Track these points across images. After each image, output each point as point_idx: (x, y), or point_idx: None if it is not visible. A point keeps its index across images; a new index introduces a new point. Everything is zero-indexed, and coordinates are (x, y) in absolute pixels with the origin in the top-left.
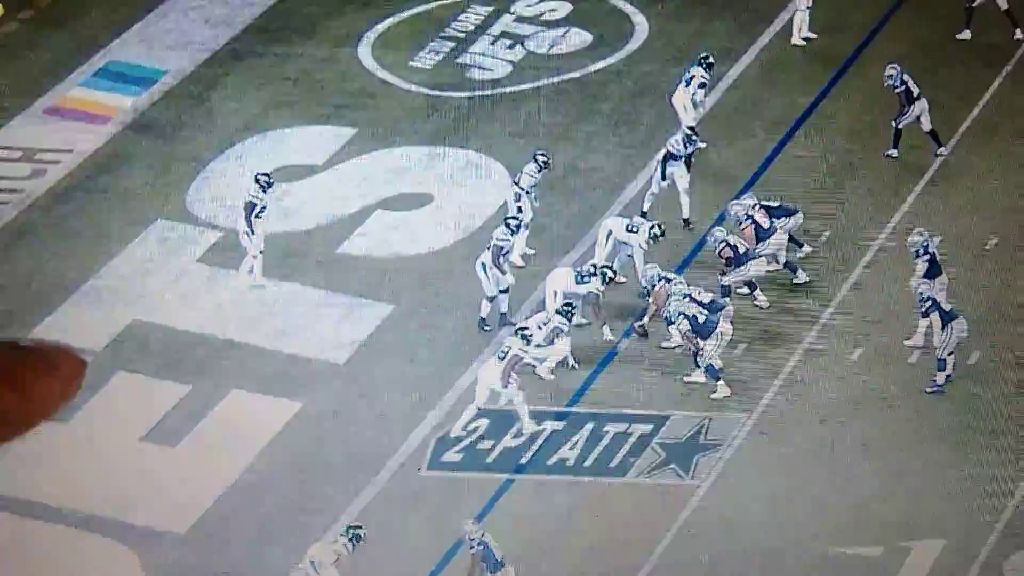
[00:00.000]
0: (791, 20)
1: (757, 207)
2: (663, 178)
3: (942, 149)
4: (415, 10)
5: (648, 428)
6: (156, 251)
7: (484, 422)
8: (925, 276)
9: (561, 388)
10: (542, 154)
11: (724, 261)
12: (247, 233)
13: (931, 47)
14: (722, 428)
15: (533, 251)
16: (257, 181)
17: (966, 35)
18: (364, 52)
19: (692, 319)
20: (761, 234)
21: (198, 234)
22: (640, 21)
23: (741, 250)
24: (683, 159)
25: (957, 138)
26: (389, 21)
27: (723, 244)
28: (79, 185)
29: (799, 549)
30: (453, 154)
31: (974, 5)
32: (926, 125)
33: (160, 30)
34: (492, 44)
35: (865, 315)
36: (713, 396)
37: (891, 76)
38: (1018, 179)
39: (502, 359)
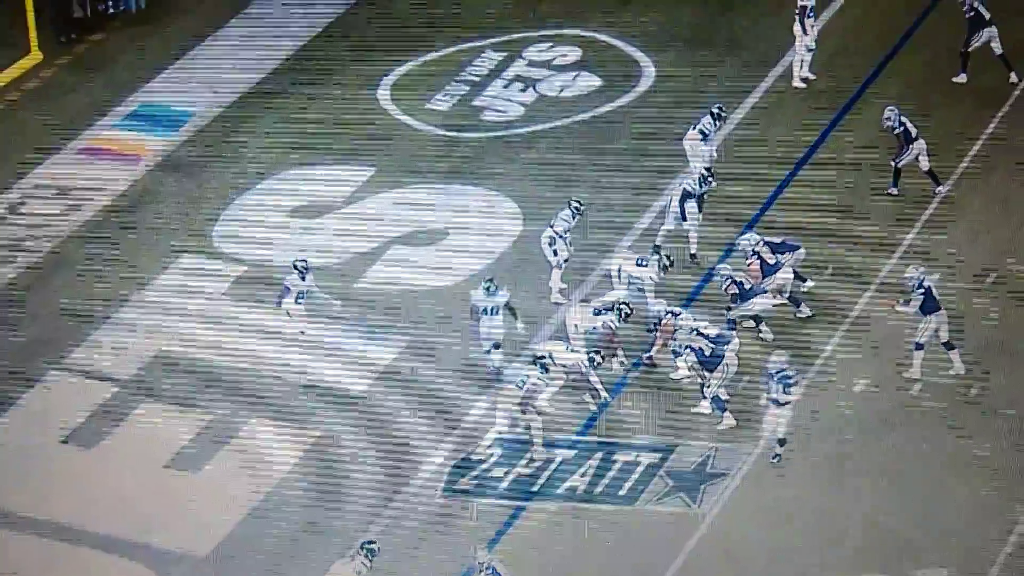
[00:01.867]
0: (791, 63)
1: (761, 243)
2: (683, 217)
3: (940, 188)
4: (433, 55)
5: (656, 457)
6: (183, 284)
7: (498, 450)
8: (921, 310)
9: (572, 418)
10: (577, 201)
11: (730, 297)
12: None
13: (930, 87)
14: (729, 457)
15: (564, 285)
16: (295, 268)
17: (962, 79)
18: (383, 95)
19: (699, 352)
20: (767, 270)
21: (223, 268)
22: (647, 65)
23: (747, 286)
24: (696, 198)
25: (956, 175)
26: (408, 65)
27: (728, 280)
28: (110, 221)
29: None
30: (468, 192)
31: (969, 50)
32: (924, 165)
33: (189, 73)
34: (506, 87)
35: (867, 348)
36: (719, 427)
37: (889, 118)
38: (1016, 217)
39: (520, 388)
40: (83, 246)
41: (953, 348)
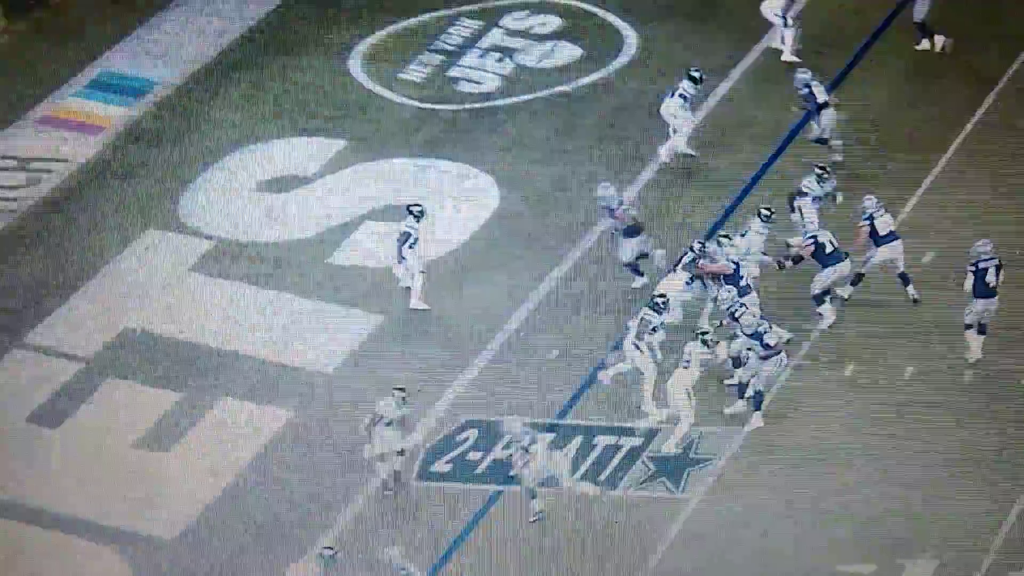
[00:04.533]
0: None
1: (882, 211)
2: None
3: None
4: (405, 23)
5: (638, 441)
6: (148, 260)
7: (474, 433)
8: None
9: (551, 400)
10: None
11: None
12: (399, 261)
13: (923, 64)
14: (714, 443)
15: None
16: (411, 212)
17: (926, 45)
18: (354, 65)
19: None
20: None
21: (189, 243)
22: (630, 35)
23: (827, 249)
24: (815, 199)
25: (951, 152)
26: (379, 34)
27: (811, 241)
28: (72, 194)
29: (790, 565)
30: (443, 166)
31: (919, 20)
32: (817, 133)
33: (153, 42)
34: (481, 57)
35: (858, 332)
36: (727, 411)
37: (801, 80)
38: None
39: (687, 367)
40: (43, 220)
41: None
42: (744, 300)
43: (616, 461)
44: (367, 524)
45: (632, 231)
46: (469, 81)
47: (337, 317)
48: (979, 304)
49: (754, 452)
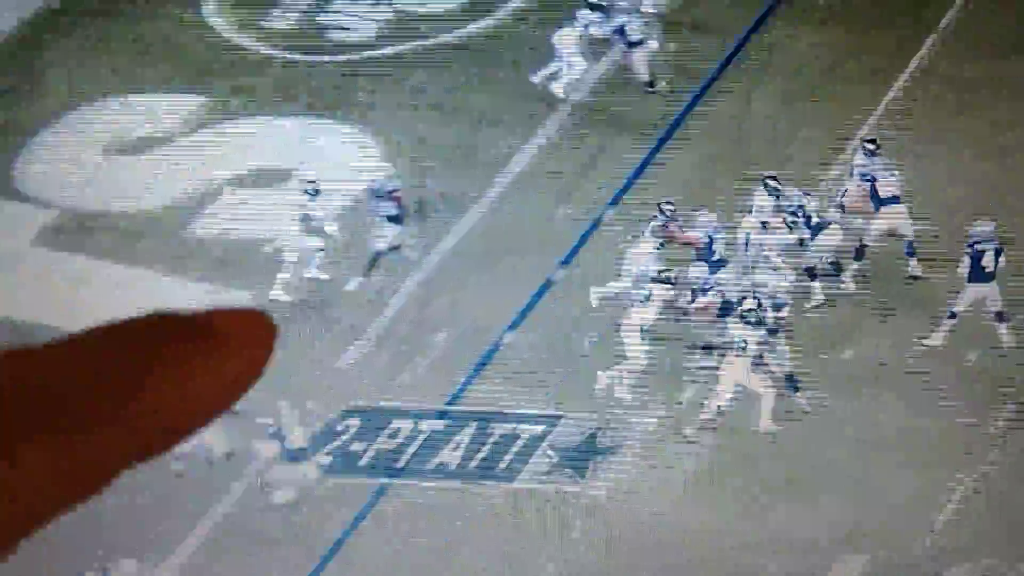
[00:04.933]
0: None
1: (888, 174)
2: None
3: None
4: None
5: (538, 429)
6: None
7: (356, 421)
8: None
9: (440, 384)
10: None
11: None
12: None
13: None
14: (623, 430)
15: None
16: (306, 191)
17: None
18: (210, 11)
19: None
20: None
21: (28, 213)
22: None
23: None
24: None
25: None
26: None
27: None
28: None
29: (707, 562)
30: (317, 125)
31: None
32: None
33: None
34: (354, 0)
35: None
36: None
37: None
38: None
39: (743, 351)
40: None
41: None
42: (718, 277)
43: (515, 451)
44: (239, 521)
45: (396, 219)
46: (341, 28)
47: (199, 294)
48: (971, 290)
49: (666, 441)
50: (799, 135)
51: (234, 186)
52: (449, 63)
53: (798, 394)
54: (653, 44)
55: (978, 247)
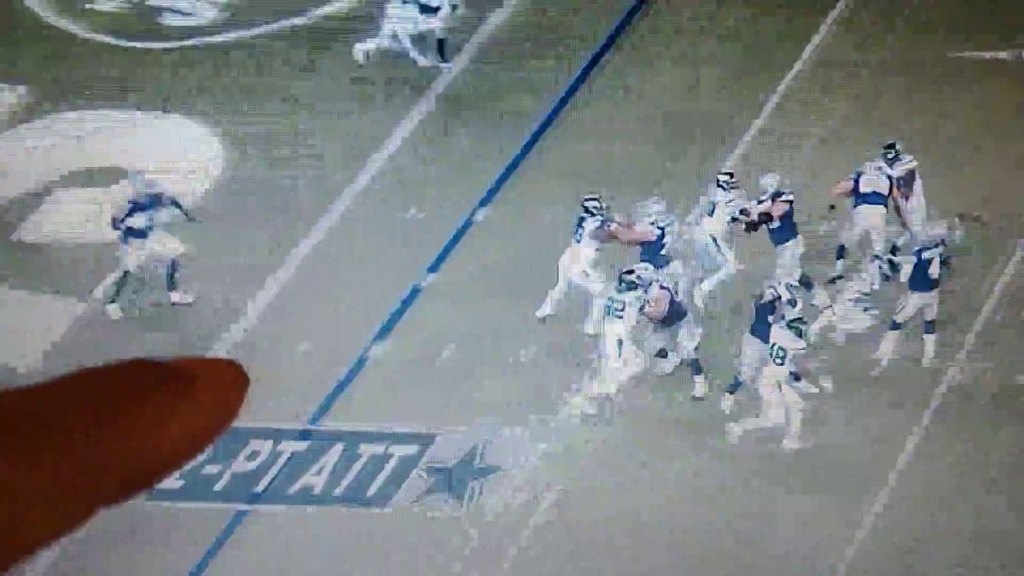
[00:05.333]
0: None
1: (878, 169)
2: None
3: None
4: None
5: (412, 450)
6: None
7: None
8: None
9: (302, 400)
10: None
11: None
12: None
13: None
14: (503, 449)
15: None
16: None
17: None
18: None
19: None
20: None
21: None
22: None
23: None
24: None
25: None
26: None
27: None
28: None
29: None
30: (150, 120)
31: None
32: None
33: None
34: None
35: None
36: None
37: None
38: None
39: (781, 364)
40: None
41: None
42: (666, 273)
43: (387, 473)
44: (82, 553)
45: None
46: (175, 12)
47: (28, 306)
48: (914, 298)
49: (550, 462)
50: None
51: (65, 186)
52: (290, 50)
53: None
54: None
55: (925, 254)
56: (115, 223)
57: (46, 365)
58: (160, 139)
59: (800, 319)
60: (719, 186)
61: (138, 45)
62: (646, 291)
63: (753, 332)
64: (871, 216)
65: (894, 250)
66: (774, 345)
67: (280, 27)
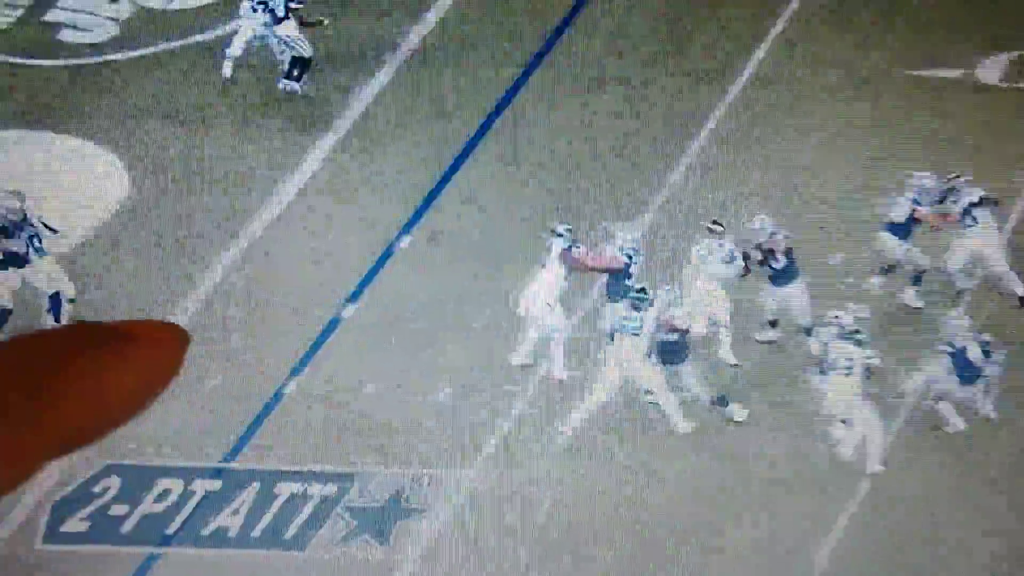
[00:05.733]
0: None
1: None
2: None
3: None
4: None
5: (332, 490)
6: None
7: (116, 481)
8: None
9: (217, 435)
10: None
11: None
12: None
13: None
14: (430, 486)
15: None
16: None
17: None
18: None
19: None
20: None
21: None
22: None
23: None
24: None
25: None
26: None
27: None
28: None
29: None
30: (47, 140)
31: None
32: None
33: None
34: None
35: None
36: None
37: None
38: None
39: (848, 373)
40: None
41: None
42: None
43: (305, 514)
44: None
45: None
46: (74, 28)
47: None
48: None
49: (480, 497)
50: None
51: None
52: (189, 67)
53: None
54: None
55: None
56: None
57: None
58: (54, 159)
59: (859, 329)
60: (711, 231)
61: (34, 62)
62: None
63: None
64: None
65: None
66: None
67: (181, 43)
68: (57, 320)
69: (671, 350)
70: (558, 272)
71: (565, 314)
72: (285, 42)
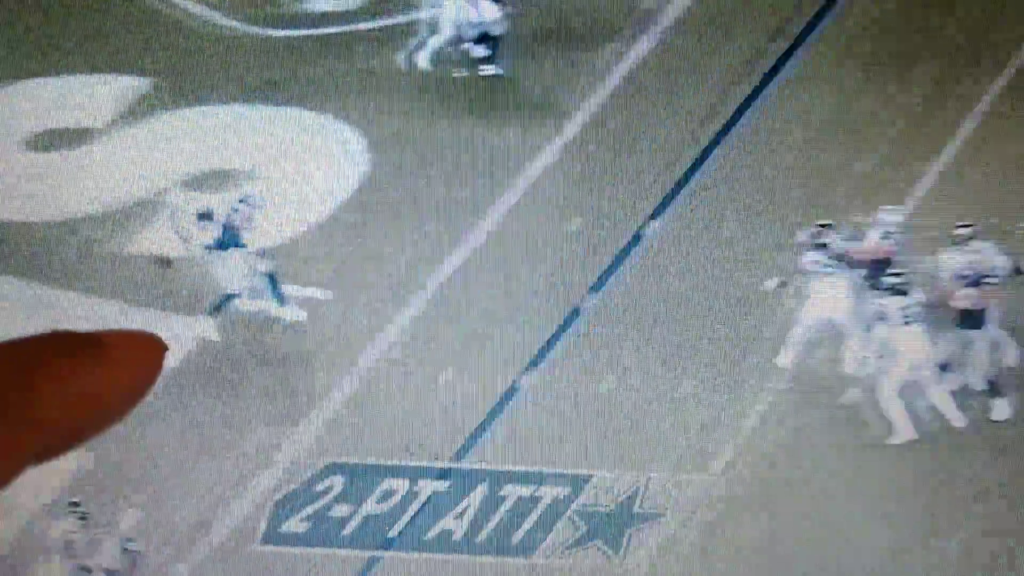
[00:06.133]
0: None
1: None
2: None
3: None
4: None
5: (564, 492)
6: None
7: (339, 480)
8: None
9: (445, 434)
10: None
11: None
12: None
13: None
14: (664, 492)
15: None
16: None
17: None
18: None
19: None
20: None
21: None
22: None
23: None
24: None
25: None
26: None
27: None
28: None
29: None
30: (286, 115)
31: None
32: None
33: None
34: None
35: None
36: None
37: None
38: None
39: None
40: None
41: None
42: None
43: (534, 518)
44: None
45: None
46: None
47: (144, 325)
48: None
49: (717, 506)
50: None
51: (185, 190)
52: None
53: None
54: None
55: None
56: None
57: (161, 393)
58: (292, 135)
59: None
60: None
61: (278, 32)
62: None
63: None
64: None
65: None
66: None
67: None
68: (281, 302)
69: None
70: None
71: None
72: (478, 23)
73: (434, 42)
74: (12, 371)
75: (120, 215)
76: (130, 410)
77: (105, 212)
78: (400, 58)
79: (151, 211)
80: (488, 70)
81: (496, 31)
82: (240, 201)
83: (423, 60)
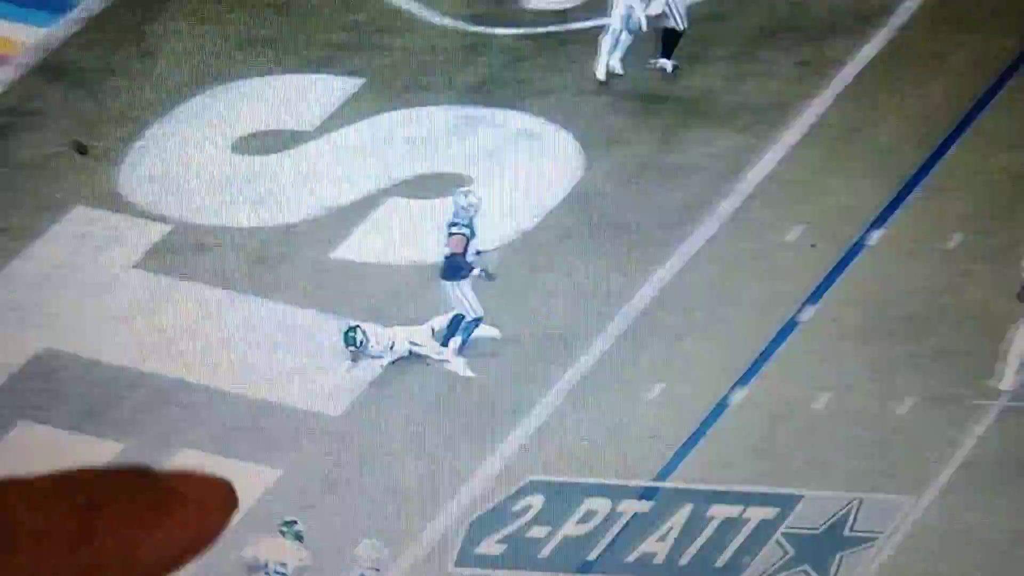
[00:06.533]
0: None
1: None
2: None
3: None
4: None
5: (771, 513)
6: (74, 251)
7: (538, 499)
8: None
9: (647, 453)
10: None
11: None
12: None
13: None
14: (879, 514)
15: None
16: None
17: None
18: None
19: None
20: None
21: (133, 227)
22: None
23: None
24: None
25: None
26: None
27: None
28: None
29: None
30: (501, 117)
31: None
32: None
33: None
34: None
35: None
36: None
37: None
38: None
39: None
40: None
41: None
42: None
43: (740, 540)
44: None
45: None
46: None
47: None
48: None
49: (936, 525)
50: None
51: (398, 196)
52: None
53: None
54: None
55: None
56: (455, 261)
57: (356, 410)
58: (506, 138)
59: None
60: None
61: (493, 31)
62: None
63: None
64: None
65: None
66: None
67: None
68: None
69: None
70: None
71: None
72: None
73: (624, 40)
74: (72, 509)
75: (333, 219)
76: (191, 560)
77: (317, 216)
78: (598, 63)
79: (362, 214)
80: (661, 63)
81: (681, 26)
82: (467, 197)
83: (616, 62)
